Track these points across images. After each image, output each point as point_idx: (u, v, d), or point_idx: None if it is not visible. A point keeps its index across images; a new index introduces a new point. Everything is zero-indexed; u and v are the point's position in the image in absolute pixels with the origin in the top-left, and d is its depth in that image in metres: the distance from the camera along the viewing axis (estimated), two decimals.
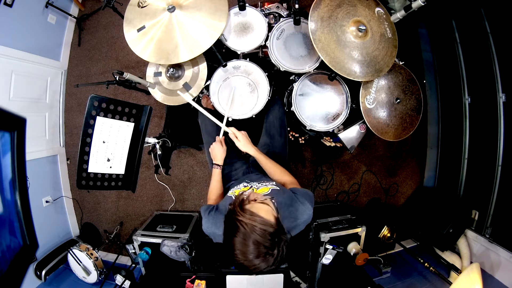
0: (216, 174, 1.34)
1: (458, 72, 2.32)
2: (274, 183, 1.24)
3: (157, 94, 1.68)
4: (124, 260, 2.49)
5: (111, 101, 1.40)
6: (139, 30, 1.43)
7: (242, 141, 1.31)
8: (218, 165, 1.35)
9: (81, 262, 2.23)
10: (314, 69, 1.59)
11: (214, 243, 1.07)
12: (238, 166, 1.53)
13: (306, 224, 1.04)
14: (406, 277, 2.26)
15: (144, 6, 1.45)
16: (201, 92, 1.61)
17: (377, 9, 1.43)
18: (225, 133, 1.42)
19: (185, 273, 1.90)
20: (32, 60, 2.38)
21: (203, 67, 1.60)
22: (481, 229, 2.15)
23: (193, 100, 1.57)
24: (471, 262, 2.12)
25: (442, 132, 2.62)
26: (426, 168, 2.71)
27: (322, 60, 1.39)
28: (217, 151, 1.35)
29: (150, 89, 1.67)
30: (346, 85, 1.60)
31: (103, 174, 1.48)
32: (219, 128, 1.42)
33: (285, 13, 1.71)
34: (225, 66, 1.56)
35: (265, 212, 0.84)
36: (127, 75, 1.48)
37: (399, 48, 1.45)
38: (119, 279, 2.07)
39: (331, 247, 1.94)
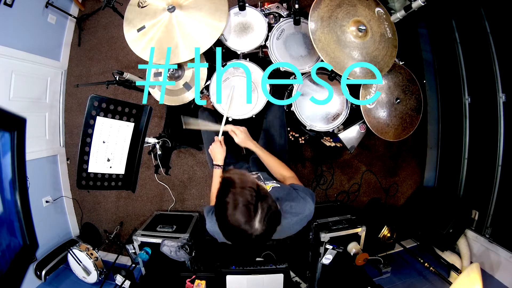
0: (217, 174, 1.33)
1: (458, 72, 2.32)
2: (274, 181, 1.24)
3: (157, 94, 1.68)
4: (124, 260, 2.49)
5: (111, 101, 1.40)
6: (139, 30, 1.43)
7: (241, 137, 1.31)
8: (219, 165, 1.35)
9: (81, 262, 2.23)
10: None
11: (214, 243, 1.08)
12: (238, 166, 1.54)
13: (308, 219, 1.04)
14: (406, 277, 2.26)
15: (144, 6, 1.45)
16: (201, 92, 1.61)
17: (377, 9, 1.43)
18: (225, 133, 1.42)
19: (185, 273, 1.90)
20: (32, 60, 2.38)
21: (203, 67, 1.60)
22: (481, 229, 2.15)
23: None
24: (471, 262, 2.12)
25: (442, 132, 2.62)
26: (426, 168, 2.71)
27: (322, 60, 1.39)
28: (217, 152, 1.35)
29: (150, 89, 1.67)
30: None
31: (103, 174, 1.48)
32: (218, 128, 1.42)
33: (285, 13, 1.70)
34: (225, 66, 1.56)
35: (248, 174, 0.87)
36: (127, 75, 1.48)
37: (399, 48, 1.45)
38: (119, 279, 2.07)
39: (331, 247, 1.94)
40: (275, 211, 0.83)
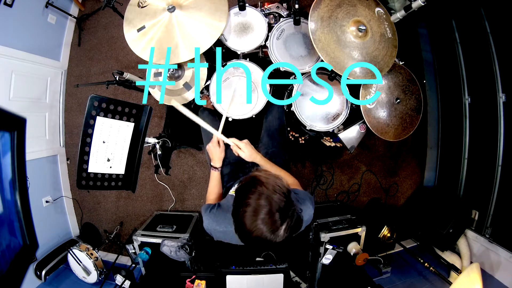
0: (215, 176, 1.29)
1: (458, 72, 2.32)
2: None
3: (157, 94, 1.68)
4: (124, 260, 2.49)
5: (111, 101, 1.40)
6: (139, 30, 1.43)
7: (247, 152, 1.20)
8: (215, 167, 1.29)
9: (81, 262, 2.23)
10: None
11: (214, 243, 1.08)
12: (238, 166, 1.53)
13: (306, 224, 1.04)
14: (406, 277, 2.26)
15: (144, 6, 1.45)
16: (201, 92, 1.61)
17: (377, 9, 1.43)
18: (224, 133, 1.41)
19: (185, 273, 1.90)
20: (32, 60, 2.38)
21: (203, 67, 1.60)
22: (481, 229, 2.15)
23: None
24: (471, 262, 2.12)
25: (442, 132, 2.62)
26: (426, 168, 2.71)
27: (322, 60, 1.39)
28: (214, 152, 1.27)
29: (150, 89, 1.67)
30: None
31: (103, 174, 1.48)
32: (218, 128, 1.41)
33: (285, 13, 1.70)
34: (225, 66, 1.56)
35: (279, 176, 0.81)
36: (127, 75, 1.48)
37: (399, 48, 1.45)
38: (119, 279, 2.07)
39: (331, 247, 1.94)
40: (298, 217, 0.79)
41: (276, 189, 0.75)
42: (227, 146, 1.34)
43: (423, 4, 1.33)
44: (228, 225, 1.01)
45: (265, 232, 0.73)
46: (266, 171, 0.84)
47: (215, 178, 1.30)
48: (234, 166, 1.47)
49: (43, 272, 2.21)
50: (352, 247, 2.00)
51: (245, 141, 1.22)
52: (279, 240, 0.76)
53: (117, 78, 1.61)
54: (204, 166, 2.59)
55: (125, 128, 1.48)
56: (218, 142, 1.28)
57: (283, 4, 1.77)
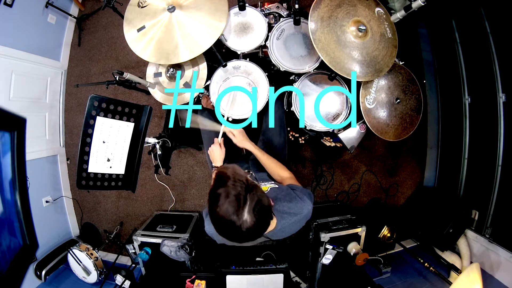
0: None
1: (458, 72, 2.32)
2: (273, 182, 1.24)
3: (157, 94, 1.68)
4: (124, 260, 2.49)
5: (111, 101, 1.40)
6: (139, 30, 1.43)
7: (239, 137, 1.34)
8: (218, 167, 1.34)
9: (81, 262, 2.23)
10: (314, 69, 1.59)
11: (214, 243, 1.08)
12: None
13: (306, 219, 1.04)
14: (406, 277, 2.26)
15: (144, 6, 1.45)
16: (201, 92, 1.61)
17: (377, 9, 1.43)
18: (225, 135, 1.42)
19: (185, 273, 1.90)
20: (32, 60, 2.38)
21: (203, 67, 1.60)
22: (481, 229, 2.15)
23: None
24: (471, 262, 2.12)
25: (442, 132, 2.62)
26: (426, 168, 2.71)
27: (322, 60, 1.39)
28: (216, 153, 1.35)
29: (150, 89, 1.67)
30: (346, 85, 1.60)
31: (103, 174, 1.48)
32: (218, 129, 1.42)
33: (285, 13, 1.70)
34: (225, 66, 1.56)
35: (240, 168, 0.90)
36: (127, 75, 1.48)
37: (399, 48, 1.45)
38: (119, 279, 2.07)
39: (331, 247, 1.94)
40: (266, 205, 0.84)
41: (236, 178, 0.83)
42: (227, 147, 1.37)
43: (423, 4, 1.32)
44: None
45: (231, 214, 0.79)
46: (226, 165, 0.92)
47: None
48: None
49: (43, 272, 2.21)
50: (352, 247, 2.00)
51: (239, 129, 1.37)
52: (247, 225, 0.79)
53: (117, 78, 1.61)
54: (204, 166, 2.59)
55: (125, 128, 1.48)
56: (220, 145, 1.36)
57: (283, 4, 1.77)
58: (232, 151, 1.48)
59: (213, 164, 1.36)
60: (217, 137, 1.39)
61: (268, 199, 0.86)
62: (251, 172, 1.20)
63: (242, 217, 0.79)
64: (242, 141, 1.34)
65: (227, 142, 1.40)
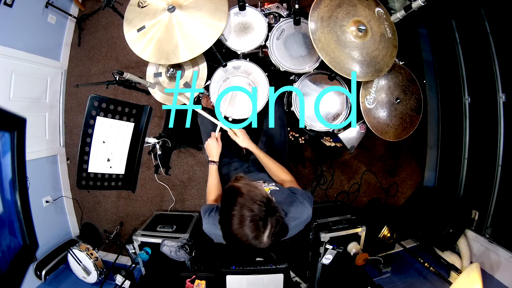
0: (213, 170, 1.34)
1: (458, 72, 2.32)
2: (273, 184, 1.24)
3: (157, 94, 1.68)
4: (124, 260, 2.49)
5: (111, 101, 1.40)
6: (139, 30, 1.43)
7: (241, 137, 1.34)
8: (214, 161, 1.36)
9: (81, 262, 2.23)
10: (314, 69, 1.59)
11: (215, 243, 1.08)
12: (238, 166, 1.53)
13: (305, 223, 1.04)
14: (406, 277, 2.26)
15: (144, 6, 1.45)
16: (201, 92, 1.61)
17: (377, 9, 1.43)
18: (224, 132, 1.42)
19: (185, 273, 1.90)
20: (32, 60, 2.38)
21: (203, 67, 1.60)
22: (481, 229, 2.15)
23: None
24: (471, 262, 2.12)
25: (442, 132, 2.62)
26: (426, 168, 2.71)
27: (322, 60, 1.39)
28: (212, 147, 1.36)
29: (150, 89, 1.67)
30: (346, 85, 1.60)
31: (103, 174, 1.48)
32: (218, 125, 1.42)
33: (285, 13, 1.70)
34: (225, 66, 1.56)
35: (259, 185, 0.88)
36: (127, 75, 1.47)
37: (399, 48, 1.45)
38: (119, 279, 2.07)
39: (331, 247, 1.94)
40: (283, 224, 0.83)
41: (256, 199, 0.79)
42: (227, 144, 1.38)
43: (423, 4, 1.32)
44: None
45: (250, 238, 0.78)
46: (245, 181, 0.88)
47: (214, 172, 1.34)
48: (233, 166, 1.48)
49: (43, 272, 2.21)
50: (352, 247, 2.00)
51: (241, 129, 1.37)
52: (264, 246, 0.80)
53: (117, 78, 1.61)
54: (204, 166, 2.59)
55: (125, 128, 1.48)
56: (217, 139, 1.38)
57: (283, 4, 1.77)
58: (233, 148, 1.49)
59: (209, 158, 1.38)
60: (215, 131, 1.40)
61: (283, 216, 0.85)
62: (266, 182, 1.21)
63: (262, 241, 0.78)
64: (244, 140, 1.35)
65: (229, 141, 1.40)
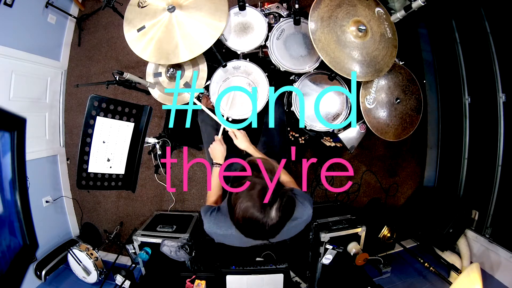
0: (217, 173, 1.34)
1: (458, 72, 2.32)
2: None
3: (157, 94, 1.68)
4: (124, 260, 2.49)
5: (111, 101, 1.40)
6: (139, 30, 1.43)
7: (240, 139, 1.34)
8: (219, 164, 1.35)
9: (81, 262, 2.23)
10: (314, 69, 1.59)
11: (215, 243, 1.08)
12: (238, 167, 1.53)
13: (306, 223, 1.04)
14: (406, 277, 2.26)
15: (144, 6, 1.45)
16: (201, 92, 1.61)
17: (377, 9, 1.43)
18: (224, 133, 1.42)
19: (185, 273, 1.90)
20: (32, 60, 2.38)
21: (203, 67, 1.60)
22: (481, 229, 2.15)
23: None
24: (471, 262, 2.12)
25: (442, 132, 2.62)
26: (426, 168, 2.71)
27: (322, 60, 1.39)
28: (217, 150, 1.36)
29: (150, 89, 1.67)
30: (346, 85, 1.60)
31: (103, 174, 1.48)
32: (218, 128, 1.43)
33: (285, 13, 1.70)
34: (225, 66, 1.56)
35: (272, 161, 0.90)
36: (127, 75, 1.47)
37: (399, 48, 1.45)
38: (119, 279, 2.07)
39: (331, 247, 1.94)
40: (290, 197, 0.83)
41: (272, 171, 0.83)
42: (228, 146, 1.38)
43: (423, 4, 1.32)
44: (228, 228, 1.02)
45: (256, 211, 0.77)
46: (264, 157, 0.92)
47: (217, 174, 1.34)
48: (233, 167, 1.48)
49: (43, 272, 2.21)
50: (352, 247, 2.00)
51: (242, 131, 1.37)
52: (271, 223, 0.78)
53: (117, 78, 1.61)
54: (204, 166, 2.59)
55: (125, 128, 1.48)
56: (221, 141, 1.37)
57: (283, 4, 1.77)
58: (233, 150, 1.49)
59: (214, 161, 1.37)
60: (217, 135, 1.40)
61: (291, 192, 0.85)
62: None
63: (269, 215, 0.78)
64: (243, 142, 1.34)
65: (229, 140, 1.40)
